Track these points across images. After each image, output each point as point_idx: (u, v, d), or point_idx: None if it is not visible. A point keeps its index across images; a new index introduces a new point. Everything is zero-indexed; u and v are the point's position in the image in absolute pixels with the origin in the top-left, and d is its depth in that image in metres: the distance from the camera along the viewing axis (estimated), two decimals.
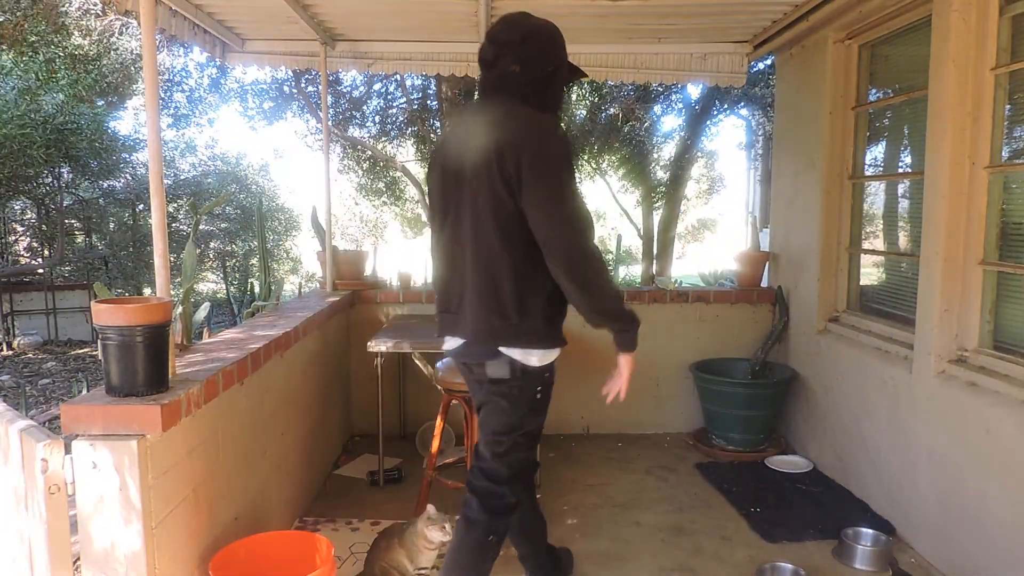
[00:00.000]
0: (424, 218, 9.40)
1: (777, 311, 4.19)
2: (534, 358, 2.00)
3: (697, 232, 17.36)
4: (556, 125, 2.02)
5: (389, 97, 9.35)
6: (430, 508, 2.53)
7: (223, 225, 10.34)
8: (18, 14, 7.24)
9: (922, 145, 2.87)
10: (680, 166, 9.99)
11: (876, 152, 3.63)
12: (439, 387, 3.12)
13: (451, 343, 2.14)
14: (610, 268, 2.01)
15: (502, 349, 1.98)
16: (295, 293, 9.65)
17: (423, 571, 2.53)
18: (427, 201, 2.24)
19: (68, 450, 1.70)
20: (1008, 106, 2.59)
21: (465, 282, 2.00)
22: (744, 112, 10.00)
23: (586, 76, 2.38)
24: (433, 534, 2.47)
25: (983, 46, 2.61)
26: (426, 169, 2.27)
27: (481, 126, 1.95)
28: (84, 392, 3.53)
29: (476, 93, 2.12)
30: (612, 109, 9.03)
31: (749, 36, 4.07)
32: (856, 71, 3.57)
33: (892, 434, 3.04)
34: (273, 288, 3.87)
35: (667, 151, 11.00)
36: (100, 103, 8.37)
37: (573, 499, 3.39)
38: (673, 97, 9.14)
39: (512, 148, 1.85)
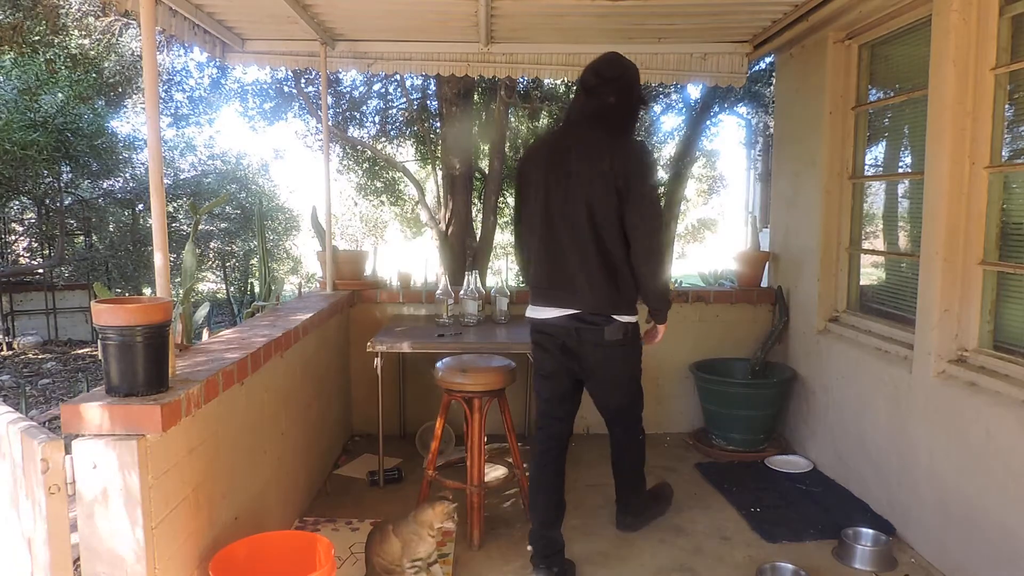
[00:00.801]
0: (423, 219, 9.38)
1: (777, 311, 4.19)
2: (634, 318, 2.63)
3: (697, 232, 17.36)
4: (649, 149, 2.64)
5: (389, 97, 9.34)
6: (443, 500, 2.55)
7: (223, 225, 10.33)
8: (18, 15, 7.24)
9: (922, 145, 2.87)
10: (680, 166, 9.99)
11: (876, 152, 3.63)
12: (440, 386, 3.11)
13: (550, 313, 2.64)
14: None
15: (615, 316, 2.57)
16: (295, 293, 9.65)
17: (418, 563, 2.52)
18: (522, 199, 2.73)
19: (68, 450, 1.70)
20: (1008, 106, 2.59)
21: (578, 266, 2.54)
22: (744, 111, 10.00)
23: (648, 105, 2.97)
24: (441, 520, 2.49)
25: (983, 46, 2.61)
26: (522, 160, 2.79)
27: (592, 145, 2.53)
28: (84, 392, 3.52)
29: (573, 112, 2.67)
30: None
31: (749, 36, 4.07)
32: (856, 71, 3.57)
33: (892, 434, 3.04)
34: (273, 288, 3.86)
35: (667, 151, 11.00)
36: (100, 103, 8.36)
37: (574, 499, 3.39)
38: (673, 97, 9.13)
39: (624, 166, 2.47)
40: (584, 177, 2.49)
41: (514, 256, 2.94)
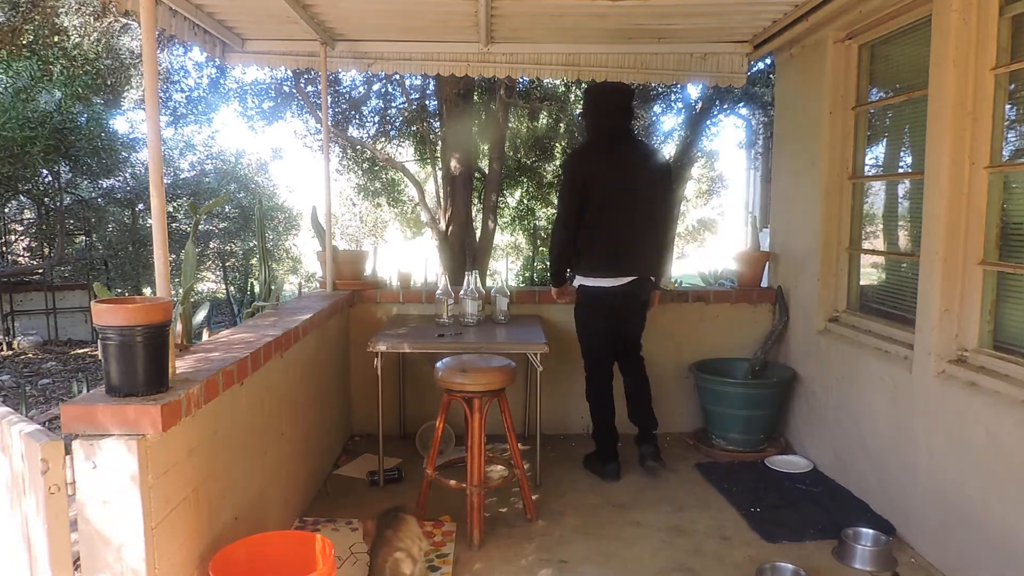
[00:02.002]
0: (423, 219, 9.40)
1: (777, 311, 4.19)
2: (658, 282, 3.64)
3: (697, 232, 17.36)
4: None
5: (388, 97, 9.34)
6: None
7: (222, 225, 10.32)
8: (16, 18, 7.21)
9: (922, 145, 2.87)
10: (680, 166, 9.99)
11: (876, 152, 3.63)
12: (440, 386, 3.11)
13: (616, 281, 3.46)
14: None
15: (652, 279, 3.54)
16: (295, 293, 9.64)
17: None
18: (587, 198, 3.39)
19: (68, 450, 1.70)
20: (1008, 106, 2.59)
21: (637, 243, 3.44)
22: (744, 111, 9.98)
23: None
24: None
25: (983, 46, 2.61)
26: (582, 169, 3.47)
27: (643, 152, 3.53)
28: (84, 392, 3.52)
29: (616, 128, 3.46)
30: None
31: (749, 36, 4.07)
32: (856, 71, 3.57)
33: (892, 434, 3.04)
34: (273, 288, 3.86)
35: (667, 151, 10.99)
36: (99, 102, 8.34)
37: (574, 499, 3.40)
38: (673, 97, 9.13)
39: (665, 170, 3.56)
40: (645, 176, 3.40)
41: (561, 238, 3.53)
